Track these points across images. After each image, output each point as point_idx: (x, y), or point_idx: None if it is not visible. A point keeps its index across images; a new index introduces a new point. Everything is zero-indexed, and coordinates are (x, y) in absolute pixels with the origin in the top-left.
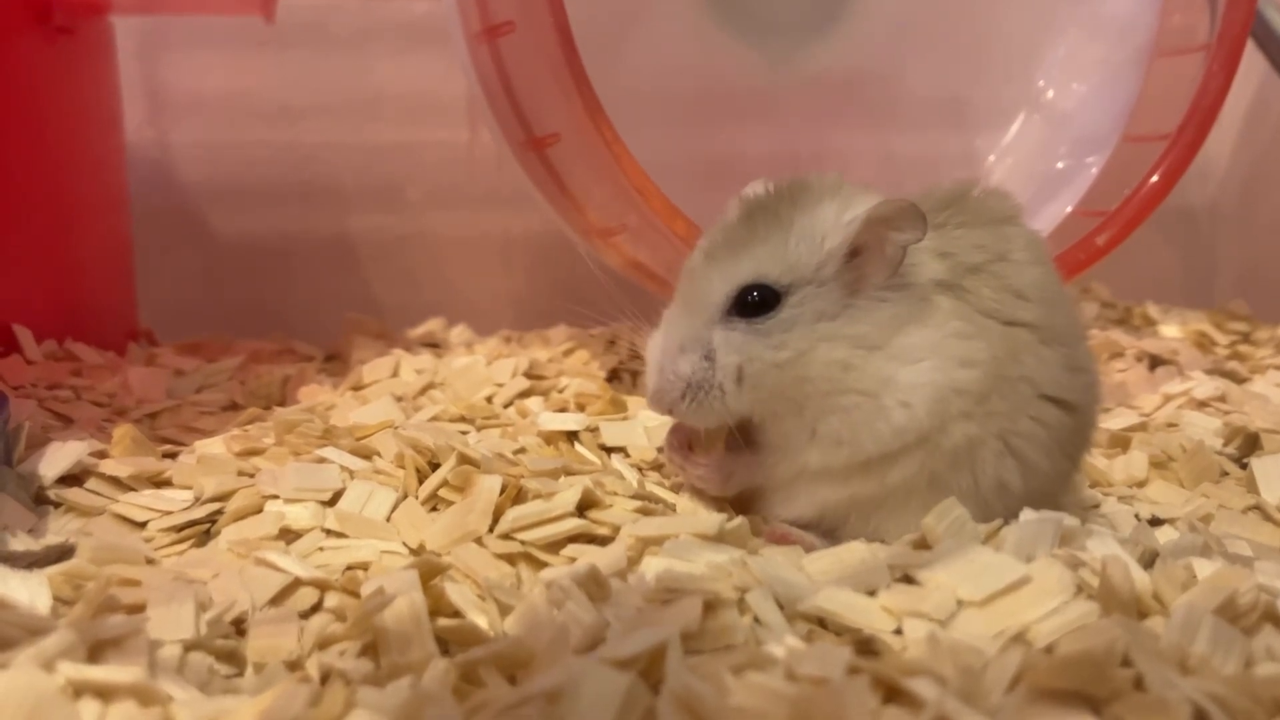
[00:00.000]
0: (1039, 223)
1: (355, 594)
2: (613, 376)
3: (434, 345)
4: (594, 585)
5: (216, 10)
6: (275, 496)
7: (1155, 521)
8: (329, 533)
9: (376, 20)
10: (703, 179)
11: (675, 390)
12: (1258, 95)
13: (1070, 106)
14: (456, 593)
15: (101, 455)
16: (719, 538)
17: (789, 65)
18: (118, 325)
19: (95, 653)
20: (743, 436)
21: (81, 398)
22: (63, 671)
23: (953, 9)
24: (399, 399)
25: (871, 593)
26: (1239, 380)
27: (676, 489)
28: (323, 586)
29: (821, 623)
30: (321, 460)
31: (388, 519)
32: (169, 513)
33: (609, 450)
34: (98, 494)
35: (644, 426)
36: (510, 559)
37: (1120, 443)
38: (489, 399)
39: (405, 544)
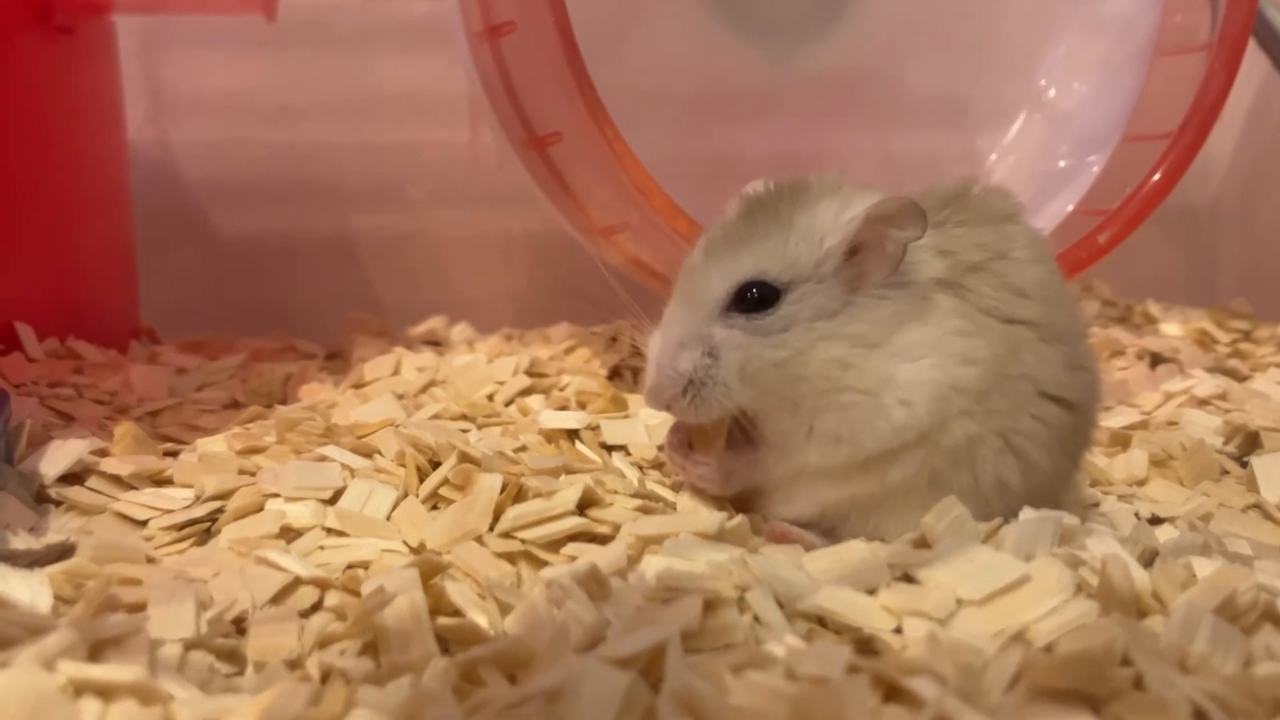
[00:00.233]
0: (1040, 221)
1: (356, 593)
2: (614, 374)
3: (435, 343)
4: (594, 584)
5: (218, 9)
6: (276, 495)
7: (1155, 520)
8: (329, 531)
9: (378, 20)
10: (704, 178)
11: (674, 386)
12: (1259, 94)
13: (1071, 106)
14: (457, 591)
15: (102, 453)
16: (719, 536)
17: (790, 65)
18: (119, 323)
19: (96, 652)
20: (743, 435)
21: (83, 396)
22: (63, 670)
23: (953, 9)
24: (400, 397)
25: (871, 592)
26: (1240, 378)
27: (677, 488)
28: (323, 585)
29: (821, 622)
30: (322, 459)
31: (388, 517)
32: (170, 511)
33: (610, 448)
34: (99, 492)
35: (645, 425)
36: (510, 558)
37: (1120, 441)
38: (490, 397)
39: (406, 543)
